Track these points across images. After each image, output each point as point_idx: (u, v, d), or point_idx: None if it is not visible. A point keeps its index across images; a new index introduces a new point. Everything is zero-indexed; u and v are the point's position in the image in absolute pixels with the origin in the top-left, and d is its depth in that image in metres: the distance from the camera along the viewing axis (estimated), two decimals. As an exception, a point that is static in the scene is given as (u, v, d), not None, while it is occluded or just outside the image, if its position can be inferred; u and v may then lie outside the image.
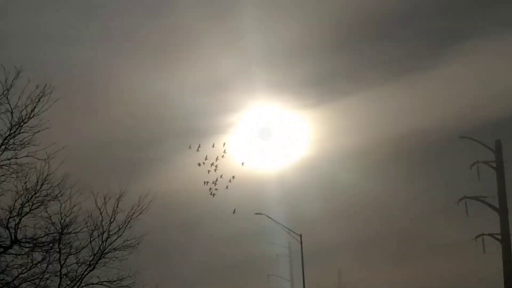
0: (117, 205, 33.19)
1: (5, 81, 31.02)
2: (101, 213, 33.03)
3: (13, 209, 31.60)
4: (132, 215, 33.44)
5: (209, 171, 55.77)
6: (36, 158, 31.78)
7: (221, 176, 56.02)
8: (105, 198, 33.06)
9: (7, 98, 31.10)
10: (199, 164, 55.49)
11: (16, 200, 31.71)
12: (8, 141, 31.43)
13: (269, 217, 51.97)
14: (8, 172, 31.56)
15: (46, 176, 31.99)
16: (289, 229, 52.17)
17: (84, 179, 32.93)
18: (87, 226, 32.80)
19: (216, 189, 56.08)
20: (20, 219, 31.74)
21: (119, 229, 33.24)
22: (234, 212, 56.90)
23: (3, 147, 31.41)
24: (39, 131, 31.64)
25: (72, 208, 32.30)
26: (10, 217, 31.56)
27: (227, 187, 56.22)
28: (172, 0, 45.52)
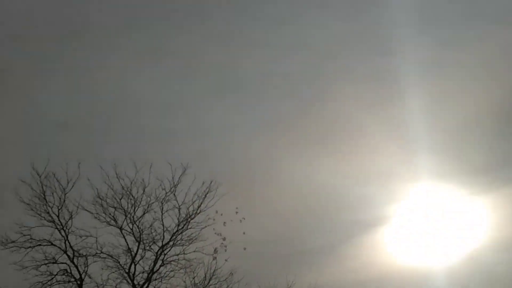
0: (285, 299, 33.29)
1: (172, 178, 32.15)
2: (267, 307, 33.14)
3: (183, 303, 32.28)
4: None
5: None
6: (203, 253, 32.53)
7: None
8: (271, 292, 33.21)
9: (174, 194, 32.16)
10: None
11: (184, 295, 32.41)
12: (176, 237, 32.33)
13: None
14: (176, 268, 32.37)
15: (214, 271, 32.62)
16: None
17: (250, 273, 33.24)
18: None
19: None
20: (193, 314, 32.37)
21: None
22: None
23: (171, 243, 32.30)
24: (205, 226, 32.42)
25: (240, 303, 32.62)
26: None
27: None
28: (331, 90, 45.83)
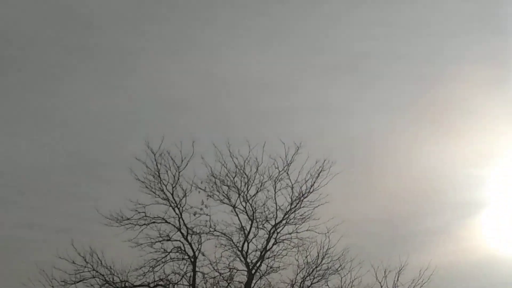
0: (398, 278, 32.65)
1: (286, 157, 31.94)
2: (381, 286, 32.60)
3: (295, 282, 32.09)
4: (413, 288, 32.68)
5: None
6: (316, 232, 32.24)
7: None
8: (385, 272, 32.65)
9: (287, 173, 31.94)
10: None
11: (297, 274, 32.21)
12: (289, 215, 32.14)
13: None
14: (289, 246, 32.22)
15: (327, 250, 32.30)
16: None
17: (363, 252, 32.79)
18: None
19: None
20: (302, 293, 32.20)
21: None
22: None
23: (284, 221, 32.14)
24: (318, 205, 32.11)
25: (353, 281, 32.22)
26: (292, 291, 32.11)
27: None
28: (449, 70, 44.67)
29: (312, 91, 44.22)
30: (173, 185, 31.47)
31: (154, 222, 31.61)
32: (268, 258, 32.00)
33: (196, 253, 31.62)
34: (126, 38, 44.21)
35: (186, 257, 31.64)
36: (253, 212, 31.93)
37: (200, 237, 31.68)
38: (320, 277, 32.17)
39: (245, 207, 31.96)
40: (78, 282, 31.01)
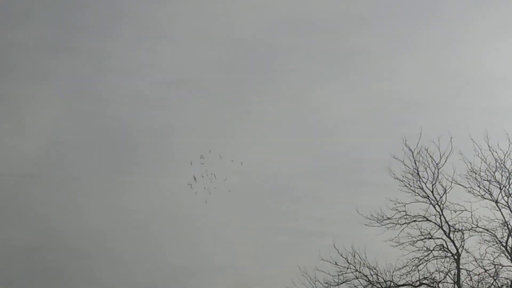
0: None
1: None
2: None
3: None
4: None
5: None
6: None
7: None
8: None
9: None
10: None
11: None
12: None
13: None
14: (557, 242, 31.10)
15: None
16: None
17: None
18: None
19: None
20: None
21: None
22: None
23: (549, 215, 31.12)
24: None
25: None
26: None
27: None
28: None
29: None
30: (433, 182, 31.36)
31: (415, 221, 31.64)
32: (536, 253, 31.06)
33: (460, 250, 31.27)
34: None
35: (449, 254, 31.38)
36: (516, 207, 31.13)
37: (463, 234, 31.31)
38: None
39: (507, 202, 31.21)
40: (341, 283, 31.55)
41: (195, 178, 42.74)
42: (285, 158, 43.09)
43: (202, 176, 42.80)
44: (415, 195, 31.64)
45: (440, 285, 31.30)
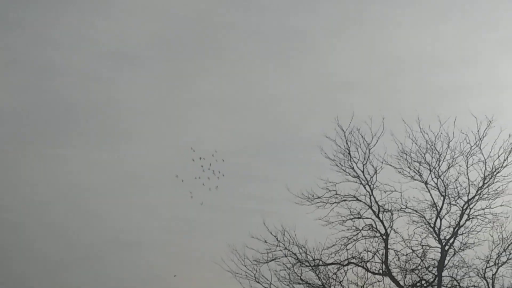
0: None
1: (477, 131, 31.27)
2: None
3: (490, 259, 31.41)
4: None
5: None
6: (510, 207, 31.37)
7: None
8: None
9: (479, 148, 31.26)
10: None
11: (492, 250, 31.51)
12: (482, 191, 31.44)
13: None
14: (483, 222, 31.54)
15: (522, 225, 31.39)
16: None
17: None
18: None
19: None
20: (497, 269, 31.45)
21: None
22: None
23: (477, 197, 31.49)
24: (512, 180, 31.25)
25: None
26: (487, 267, 31.43)
27: None
28: None
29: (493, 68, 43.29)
30: (364, 163, 31.47)
31: (345, 200, 31.72)
32: (462, 234, 31.47)
33: (388, 231, 31.51)
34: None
35: (378, 234, 31.59)
36: (445, 188, 31.45)
37: (392, 214, 31.53)
38: (515, 253, 31.33)
39: (436, 183, 31.54)
40: (270, 261, 31.57)
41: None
42: (218, 135, 42.94)
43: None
44: (346, 175, 31.75)
45: (368, 264, 31.56)
